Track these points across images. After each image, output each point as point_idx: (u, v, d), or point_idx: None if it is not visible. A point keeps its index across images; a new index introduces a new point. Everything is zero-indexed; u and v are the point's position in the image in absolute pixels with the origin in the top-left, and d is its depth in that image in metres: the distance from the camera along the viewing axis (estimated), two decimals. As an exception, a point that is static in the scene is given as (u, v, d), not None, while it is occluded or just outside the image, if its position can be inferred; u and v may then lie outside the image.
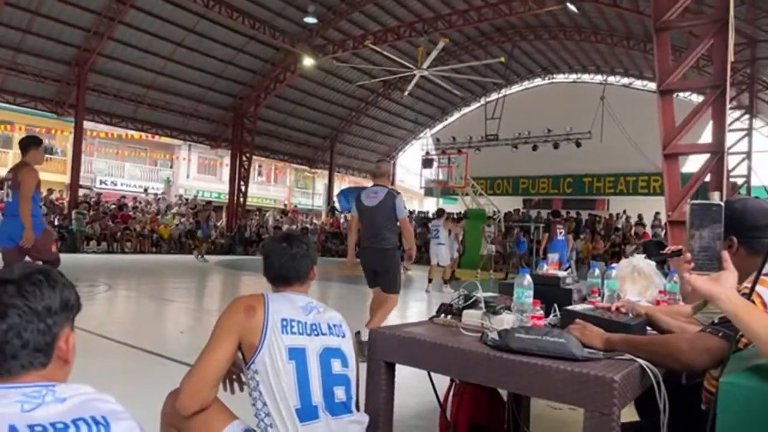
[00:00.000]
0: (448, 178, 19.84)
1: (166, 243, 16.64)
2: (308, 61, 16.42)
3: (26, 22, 13.36)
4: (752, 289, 1.17)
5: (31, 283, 0.79)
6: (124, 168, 22.36)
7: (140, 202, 19.07)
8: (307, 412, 1.37)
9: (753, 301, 1.31)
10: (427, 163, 21.15)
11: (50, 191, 16.10)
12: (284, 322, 1.41)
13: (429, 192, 22.64)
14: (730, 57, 4.57)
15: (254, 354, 1.38)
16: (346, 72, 18.70)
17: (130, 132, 18.93)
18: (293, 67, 17.44)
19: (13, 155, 18.99)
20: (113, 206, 17.09)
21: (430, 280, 9.78)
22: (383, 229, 4.23)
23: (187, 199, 21.02)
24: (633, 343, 1.39)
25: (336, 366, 1.46)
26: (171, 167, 24.14)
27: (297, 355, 1.40)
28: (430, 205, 26.56)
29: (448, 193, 21.00)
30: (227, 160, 20.76)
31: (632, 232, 15.37)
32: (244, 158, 19.29)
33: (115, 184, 21.55)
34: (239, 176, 19.33)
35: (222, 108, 18.85)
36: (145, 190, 21.07)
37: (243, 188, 19.43)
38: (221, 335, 1.40)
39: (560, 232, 9.58)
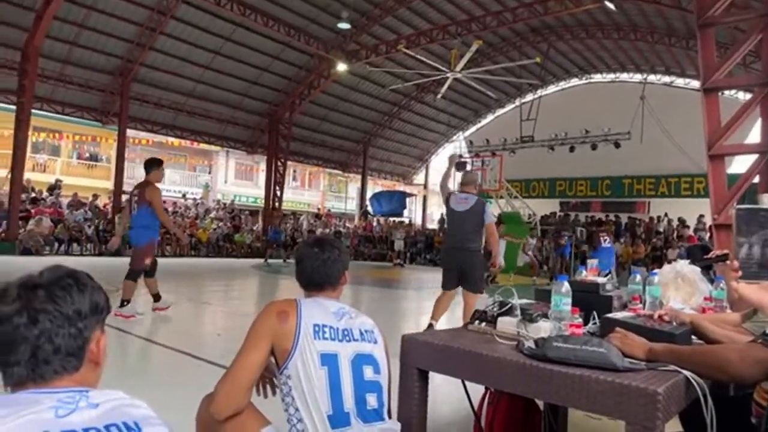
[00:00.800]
0: (483, 181, 19.63)
1: (205, 246, 17.06)
2: (342, 67, 16.57)
3: (74, 35, 13.97)
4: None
5: (60, 288, 0.79)
6: (164, 174, 22.94)
7: (180, 207, 19.61)
8: (338, 419, 1.37)
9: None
10: (460, 165, 20.99)
11: (95, 197, 16.74)
12: (316, 328, 1.42)
13: (462, 195, 22.43)
14: (780, 52, 4.36)
15: (287, 359, 1.39)
16: (379, 76, 18.78)
17: (170, 139, 19.50)
18: (327, 72, 17.63)
19: (61, 163, 19.88)
20: (154, 211, 17.60)
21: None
22: (471, 232, 4.64)
23: (224, 204, 21.51)
24: (677, 353, 1.33)
25: (368, 372, 1.45)
26: (209, 173, 24.75)
27: (329, 360, 1.40)
28: (464, 209, 26.33)
29: (483, 196, 20.72)
30: (263, 166, 21.13)
31: (675, 235, 14.83)
32: (279, 163, 19.61)
33: (156, 191, 22.17)
34: (275, 181, 19.66)
35: (258, 114, 19.22)
36: (184, 195, 21.67)
37: (278, 193, 19.75)
38: (254, 340, 1.42)
39: (605, 240, 9.44)
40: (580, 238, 14.71)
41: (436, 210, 28.01)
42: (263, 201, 20.34)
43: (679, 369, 1.25)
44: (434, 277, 13.47)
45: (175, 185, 23.16)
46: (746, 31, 5.18)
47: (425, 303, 9.14)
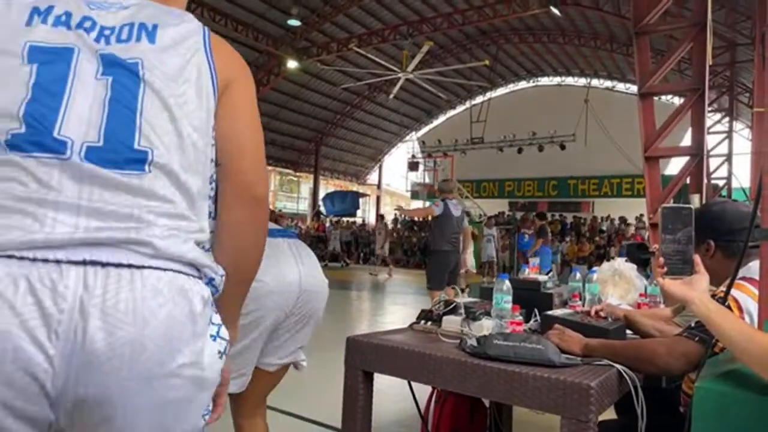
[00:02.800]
0: (434, 181, 19.88)
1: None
2: (292, 64, 16.35)
3: None
4: (727, 293, 1.17)
5: None
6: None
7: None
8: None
9: (729, 306, 1.31)
10: (412, 166, 21.19)
11: None
12: None
13: (415, 195, 22.66)
14: (709, 60, 4.64)
15: None
16: (330, 75, 18.66)
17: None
18: (277, 69, 17.36)
19: None
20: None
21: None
22: (459, 235, 5.22)
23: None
24: (611, 348, 1.38)
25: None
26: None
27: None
28: (417, 208, 26.59)
29: (434, 197, 21.00)
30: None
31: (618, 233, 15.50)
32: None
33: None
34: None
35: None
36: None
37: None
38: None
39: (527, 235, 9.77)
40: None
41: (390, 210, 28.13)
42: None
43: (612, 363, 1.29)
44: (399, 278, 13.50)
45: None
46: (679, 39, 5.48)
47: (378, 304, 9.16)
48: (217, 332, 0.81)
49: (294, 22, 15.11)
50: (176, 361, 0.72)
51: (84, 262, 0.69)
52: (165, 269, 0.74)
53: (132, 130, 0.76)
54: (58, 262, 0.68)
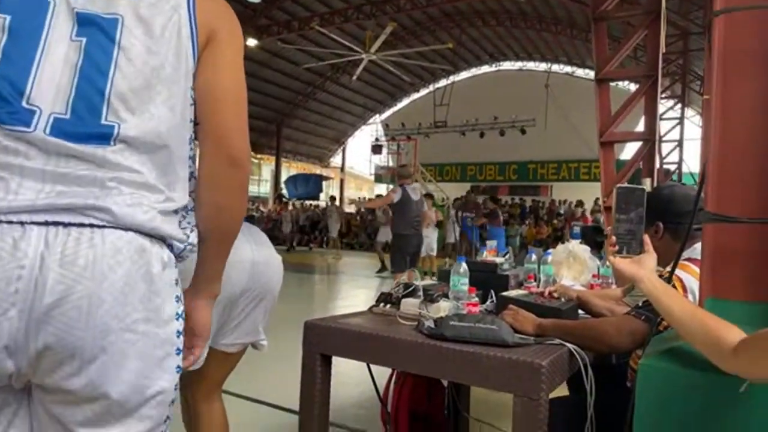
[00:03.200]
0: (398, 165, 19.90)
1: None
2: (251, 42, 15.91)
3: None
4: (672, 272, 1.21)
5: None
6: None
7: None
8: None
9: (674, 285, 1.36)
10: (376, 149, 21.14)
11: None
12: None
13: (379, 178, 22.65)
14: (662, 48, 4.78)
15: None
16: (292, 54, 18.27)
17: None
18: (237, 48, 16.86)
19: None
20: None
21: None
22: (420, 218, 5.50)
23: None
24: (563, 327, 1.42)
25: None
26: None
27: None
28: (381, 192, 26.59)
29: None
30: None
31: (573, 216, 15.95)
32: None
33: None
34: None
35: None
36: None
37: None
38: None
39: (471, 218, 9.96)
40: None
41: (353, 194, 28.04)
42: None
43: (564, 342, 1.33)
44: (351, 261, 13.50)
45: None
46: (635, 26, 5.61)
47: (339, 287, 9.16)
48: (178, 296, 0.83)
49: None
50: (131, 316, 0.74)
51: (46, 223, 0.71)
52: (126, 229, 0.76)
53: (100, 103, 0.76)
54: (21, 223, 0.70)
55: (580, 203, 16.99)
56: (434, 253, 9.11)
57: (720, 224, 1.10)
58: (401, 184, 5.52)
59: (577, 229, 10.10)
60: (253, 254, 1.51)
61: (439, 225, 12.06)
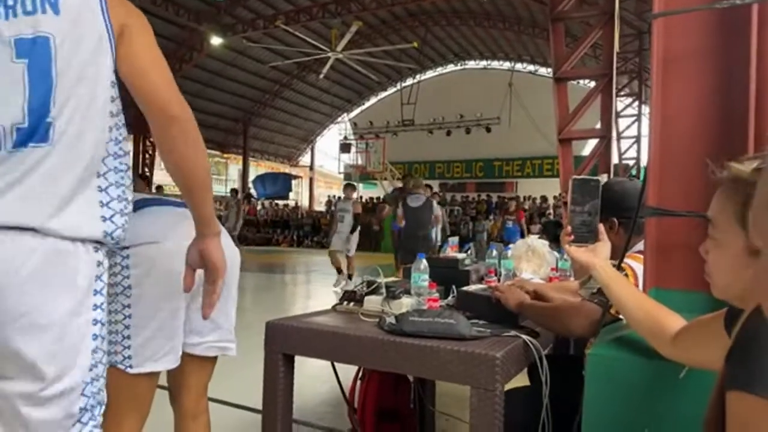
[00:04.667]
0: (367, 163, 19.92)
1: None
2: (216, 40, 15.64)
3: None
4: (620, 261, 1.27)
5: None
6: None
7: None
8: None
9: (626, 275, 1.42)
10: (345, 147, 21.09)
11: None
12: None
13: (348, 177, 22.53)
14: (616, 47, 4.93)
15: None
16: (257, 52, 18.03)
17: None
18: (200, 45, 16.53)
19: None
20: None
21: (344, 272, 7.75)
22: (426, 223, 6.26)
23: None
24: (537, 308, 1.49)
25: None
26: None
27: None
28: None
29: (367, 178, 21.11)
30: (130, 145, 19.39)
31: (500, 208, 16.20)
32: (148, 143, 18.14)
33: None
34: (143, 162, 18.18)
35: (122, 89, 17.51)
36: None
37: (148, 175, 18.29)
38: None
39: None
40: (457, 216, 15.64)
41: (323, 192, 27.90)
42: (132, 184, 18.72)
43: (518, 334, 1.37)
44: (322, 259, 13.42)
45: None
46: (593, 25, 5.78)
47: (312, 287, 9.12)
48: (99, 303, 0.94)
49: (217, -4, 14.42)
50: (37, 312, 0.84)
51: None
52: (45, 236, 0.85)
53: (45, 109, 0.86)
54: None
55: (544, 198, 17.37)
56: (351, 254, 7.62)
57: (661, 218, 1.15)
58: (403, 198, 6.40)
59: (510, 224, 10.01)
60: None
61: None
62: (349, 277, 7.43)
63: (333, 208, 8.09)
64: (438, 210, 6.73)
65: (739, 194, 0.74)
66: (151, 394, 1.33)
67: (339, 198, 8.12)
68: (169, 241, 1.28)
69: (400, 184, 9.38)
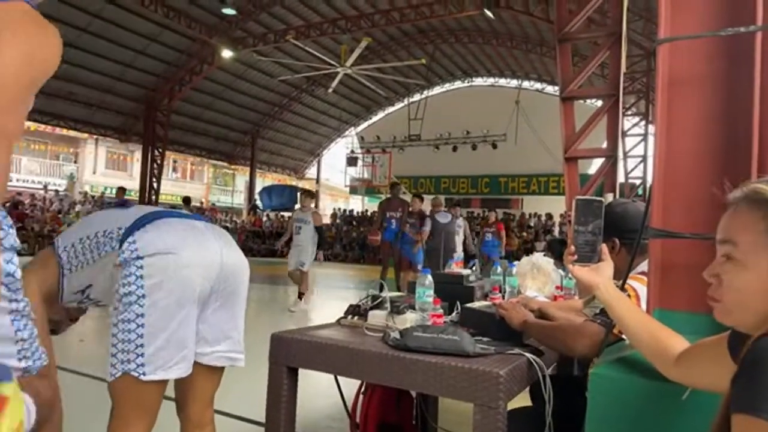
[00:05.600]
0: (373, 177, 20.00)
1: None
2: (227, 53, 15.85)
3: None
4: (623, 281, 1.27)
5: None
6: (20, 162, 20.49)
7: (39, 200, 17.54)
8: None
9: (629, 296, 1.43)
10: (351, 161, 21.21)
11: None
12: None
13: (354, 190, 22.69)
14: (623, 68, 4.97)
15: None
16: (267, 66, 18.26)
17: (28, 122, 17.33)
18: (211, 58, 16.77)
19: None
20: (7, 204, 15.57)
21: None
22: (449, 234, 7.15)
23: (93, 197, 19.61)
24: (539, 327, 1.49)
25: None
26: (75, 162, 22.41)
27: None
28: (356, 204, 26.61)
29: (373, 192, 21.19)
30: (139, 155, 19.59)
31: (482, 220, 15.99)
32: (156, 153, 18.31)
33: (11, 180, 19.66)
34: (151, 172, 18.33)
35: (133, 100, 17.75)
36: (45, 186, 19.40)
37: (155, 185, 18.44)
38: None
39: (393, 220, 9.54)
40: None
41: (329, 205, 27.97)
42: (138, 193, 18.89)
43: (522, 353, 1.37)
44: (327, 272, 13.40)
45: (35, 175, 20.68)
46: (600, 45, 5.83)
47: (316, 299, 9.09)
48: None
49: (229, 11, 14.65)
50: None
51: None
52: None
53: None
54: None
55: (549, 216, 17.33)
56: (305, 268, 6.74)
57: (665, 239, 1.16)
58: (431, 214, 7.20)
59: (489, 236, 9.83)
60: (222, 252, 1.48)
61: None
62: (300, 296, 6.65)
63: (290, 218, 6.73)
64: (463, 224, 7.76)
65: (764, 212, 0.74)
66: (158, 403, 1.34)
67: (300, 209, 7.08)
68: (182, 252, 1.30)
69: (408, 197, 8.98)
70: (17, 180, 19.86)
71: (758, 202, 0.75)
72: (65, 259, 1.39)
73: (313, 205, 7.24)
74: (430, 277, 1.65)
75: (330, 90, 16.91)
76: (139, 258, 1.25)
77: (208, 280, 1.42)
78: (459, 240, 7.93)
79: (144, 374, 1.25)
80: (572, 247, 1.20)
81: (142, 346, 1.26)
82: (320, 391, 2.84)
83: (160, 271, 1.27)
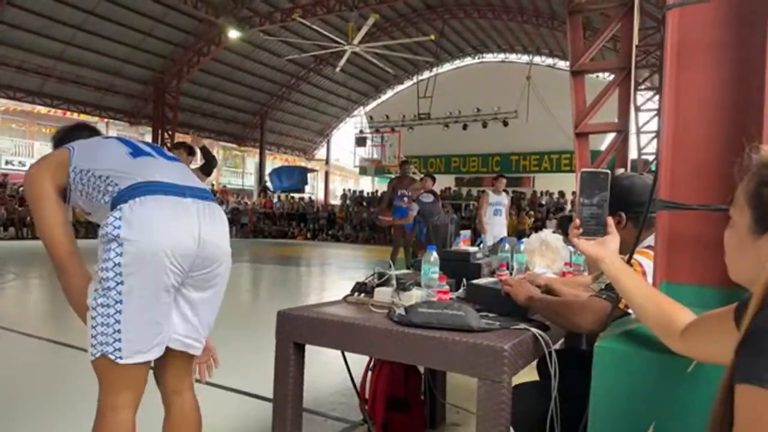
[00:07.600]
0: (382, 157, 19.92)
1: (83, 227, 15.64)
2: (234, 34, 15.72)
3: None
4: (630, 256, 1.26)
5: None
6: (33, 147, 20.69)
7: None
8: None
9: (635, 269, 1.41)
10: (360, 141, 21.10)
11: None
12: None
13: (363, 171, 22.63)
14: (635, 40, 4.83)
15: None
16: (274, 46, 18.11)
17: (38, 107, 17.45)
18: (218, 39, 16.66)
19: None
20: (21, 188, 15.80)
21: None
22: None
23: (106, 180, 19.76)
24: (544, 303, 1.49)
25: None
26: (87, 145, 22.53)
27: None
28: (365, 184, 26.57)
29: (383, 172, 21.11)
30: (149, 138, 19.64)
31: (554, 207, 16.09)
32: (166, 135, 18.37)
33: (23, 164, 19.90)
34: (162, 155, 18.41)
35: (141, 83, 17.75)
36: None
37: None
38: None
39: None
40: (472, 210, 15.57)
41: (339, 186, 27.97)
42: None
43: (528, 327, 1.37)
44: (338, 252, 13.47)
45: (47, 159, 20.82)
46: (611, 17, 5.67)
47: (326, 279, 9.18)
48: None
49: (234, -10, 14.48)
50: None
51: None
52: None
53: None
54: None
55: (561, 194, 17.18)
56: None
57: (672, 211, 1.14)
58: (417, 197, 7.26)
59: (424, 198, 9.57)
60: (203, 242, 1.37)
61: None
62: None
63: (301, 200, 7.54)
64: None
65: (759, 176, 0.75)
66: (144, 375, 1.37)
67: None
68: (163, 237, 1.28)
69: (417, 176, 8.95)
70: (29, 164, 20.05)
71: (763, 165, 0.76)
72: (72, 177, 1.38)
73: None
74: (435, 254, 1.64)
75: (338, 69, 16.75)
76: (119, 239, 1.24)
77: (185, 266, 1.36)
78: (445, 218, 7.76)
79: (121, 358, 1.28)
80: (577, 221, 1.18)
81: (119, 331, 1.27)
82: (329, 369, 2.87)
83: (137, 260, 1.25)
